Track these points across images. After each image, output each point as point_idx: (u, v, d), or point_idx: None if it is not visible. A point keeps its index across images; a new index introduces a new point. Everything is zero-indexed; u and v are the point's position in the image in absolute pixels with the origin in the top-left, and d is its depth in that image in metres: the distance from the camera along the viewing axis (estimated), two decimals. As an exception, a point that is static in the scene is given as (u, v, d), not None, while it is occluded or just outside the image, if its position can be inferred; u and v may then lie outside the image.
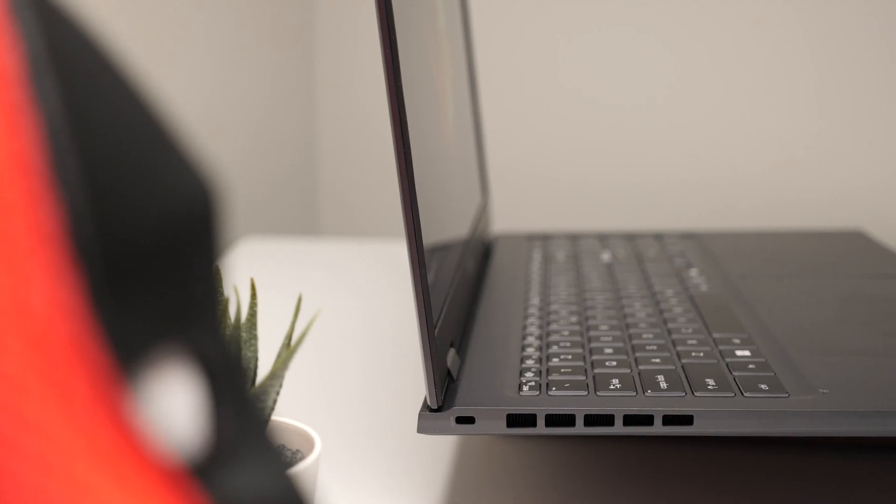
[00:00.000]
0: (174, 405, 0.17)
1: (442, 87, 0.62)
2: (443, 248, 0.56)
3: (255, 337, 0.42)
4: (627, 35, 1.14)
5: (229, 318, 0.40)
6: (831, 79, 1.10)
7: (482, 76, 1.15)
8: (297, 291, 0.91)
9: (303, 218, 1.32)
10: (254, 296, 0.43)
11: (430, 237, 0.51)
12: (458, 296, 0.59)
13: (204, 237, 0.20)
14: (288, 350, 0.39)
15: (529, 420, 0.48)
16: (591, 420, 0.48)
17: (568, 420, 0.48)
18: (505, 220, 1.18)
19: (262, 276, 0.96)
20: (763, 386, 0.50)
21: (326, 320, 0.82)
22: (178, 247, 0.18)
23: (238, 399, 0.20)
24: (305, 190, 1.33)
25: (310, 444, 0.43)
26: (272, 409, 0.42)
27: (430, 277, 0.51)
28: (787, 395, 0.49)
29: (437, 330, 0.49)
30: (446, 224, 0.58)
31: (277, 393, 0.42)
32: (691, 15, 1.13)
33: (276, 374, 0.39)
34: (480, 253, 0.76)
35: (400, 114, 0.46)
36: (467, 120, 0.80)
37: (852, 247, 0.81)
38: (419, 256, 0.47)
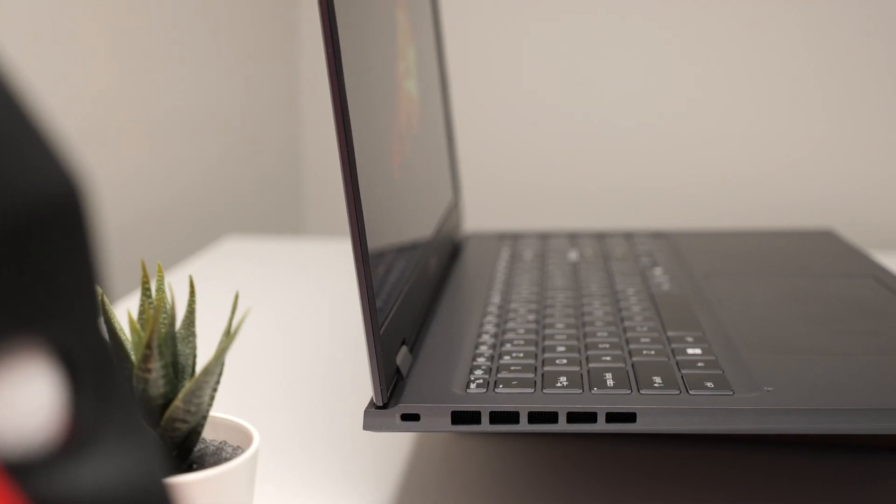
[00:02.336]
0: (5, 400, 0.17)
1: (400, 91, 0.62)
2: (397, 248, 0.56)
3: (193, 334, 0.43)
4: (600, 38, 1.15)
5: (163, 316, 0.41)
6: (812, 82, 1.11)
7: (461, 82, 1.15)
8: (269, 291, 0.91)
9: (287, 217, 1.33)
10: (192, 293, 0.43)
11: (379, 237, 0.52)
12: (414, 294, 0.59)
13: (69, 231, 0.20)
14: (221, 345, 0.40)
15: (474, 417, 0.48)
16: (535, 417, 0.48)
17: (512, 417, 0.48)
18: (487, 220, 1.18)
19: (237, 276, 0.96)
20: (709, 384, 0.50)
21: (294, 320, 0.82)
22: (32, 240, 0.18)
23: (105, 394, 0.20)
24: (289, 189, 1.33)
25: (249, 439, 0.44)
26: (209, 404, 0.42)
27: (381, 276, 0.51)
28: (731, 392, 0.49)
29: (384, 328, 0.50)
30: (401, 224, 0.58)
31: (215, 389, 0.42)
32: (663, 17, 1.13)
33: (210, 370, 0.40)
34: (447, 252, 0.76)
35: (343, 117, 0.46)
36: (437, 122, 0.80)
37: (821, 247, 0.81)
38: (363, 256, 0.47)
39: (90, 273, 0.21)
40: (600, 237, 0.86)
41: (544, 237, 0.86)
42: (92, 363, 0.21)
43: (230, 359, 0.73)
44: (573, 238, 0.86)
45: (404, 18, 0.67)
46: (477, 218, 1.18)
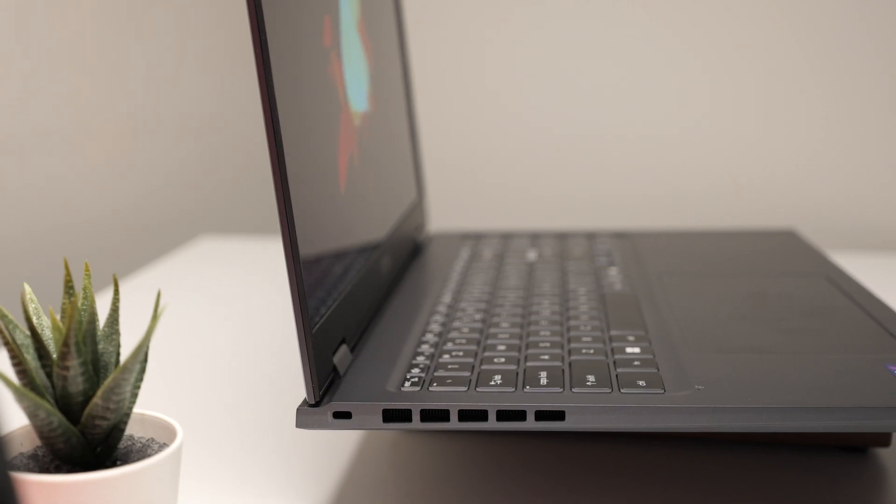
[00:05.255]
0: None
1: (343, 92, 0.62)
2: (340, 247, 0.57)
3: (116, 332, 0.43)
4: (568, 38, 1.15)
5: (80, 314, 0.41)
6: (789, 83, 1.11)
7: (444, 85, 1.16)
8: (240, 291, 0.92)
9: (263, 217, 1.33)
10: (116, 292, 0.43)
11: (316, 236, 0.52)
12: (359, 294, 0.59)
13: None
14: (140, 342, 0.40)
15: (405, 415, 0.49)
16: (465, 415, 0.49)
17: (443, 415, 0.49)
18: (469, 221, 1.19)
19: (210, 275, 0.97)
20: (641, 382, 0.51)
21: (260, 319, 0.83)
22: None
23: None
24: (266, 189, 1.34)
25: (173, 435, 0.44)
26: (132, 401, 0.43)
27: (319, 275, 0.52)
28: (662, 391, 0.50)
29: (318, 327, 0.50)
30: (345, 224, 0.59)
31: (137, 387, 0.43)
32: (629, 18, 1.13)
33: (128, 367, 0.40)
34: (405, 251, 0.77)
35: (272, 115, 0.47)
36: (400, 123, 0.80)
37: (780, 247, 0.81)
38: (294, 255, 0.48)
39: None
40: (562, 237, 0.86)
41: (507, 237, 0.87)
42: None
43: (180, 357, 0.74)
44: (535, 238, 0.86)
45: (356, 19, 0.67)
46: (456, 218, 1.18)
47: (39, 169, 0.98)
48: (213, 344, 0.77)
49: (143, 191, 1.13)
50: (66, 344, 0.40)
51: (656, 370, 0.52)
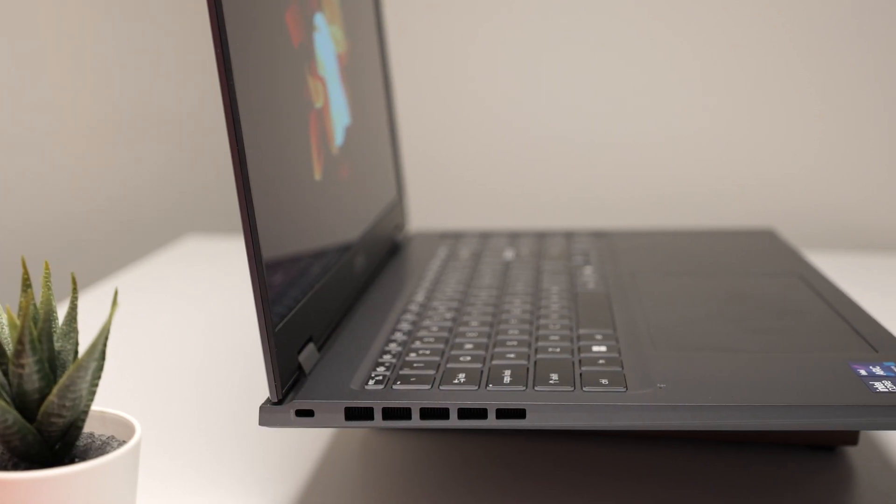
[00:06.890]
0: None
1: (314, 92, 0.62)
2: (308, 247, 0.57)
3: (74, 330, 0.43)
4: (548, 37, 1.15)
5: (34, 310, 0.41)
6: (781, 83, 1.11)
7: (422, 83, 1.16)
8: (223, 290, 0.92)
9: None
10: (74, 290, 0.44)
11: (282, 236, 0.52)
12: (328, 292, 0.60)
13: None
14: (94, 340, 0.40)
15: (367, 413, 0.49)
16: (427, 413, 0.49)
17: (405, 413, 0.49)
18: (448, 220, 1.19)
19: (194, 275, 0.97)
20: (604, 381, 0.51)
21: (238, 318, 0.83)
22: None
23: None
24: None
25: (133, 433, 0.44)
26: (89, 399, 0.43)
27: (285, 275, 0.52)
28: (624, 389, 0.50)
29: (282, 325, 0.50)
30: (314, 224, 0.59)
31: (95, 384, 0.43)
32: (608, 19, 1.13)
33: (83, 365, 0.40)
34: (382, 250, 0.77)
35: (234, 115, 0.47)
36: (380, 122, 0.81)
37: (757, 246, 0.81)
38: (256, 254, 0.48)
39: None
40: (541, 236, 0.86)
41: (485, 236, 0.87)
42: None
43: (154, 357, 0.74)
44: (513, 237, 0.86)
45: (333, 13, 0.67)
46: (438, 218, 1.19)
47: (26, 168, 0.99)
48: (188, 343, 0.77)
49: (129, 190, 1.14)
50: (20, 342, 0.40)
51: (620, 368, 0.53)
